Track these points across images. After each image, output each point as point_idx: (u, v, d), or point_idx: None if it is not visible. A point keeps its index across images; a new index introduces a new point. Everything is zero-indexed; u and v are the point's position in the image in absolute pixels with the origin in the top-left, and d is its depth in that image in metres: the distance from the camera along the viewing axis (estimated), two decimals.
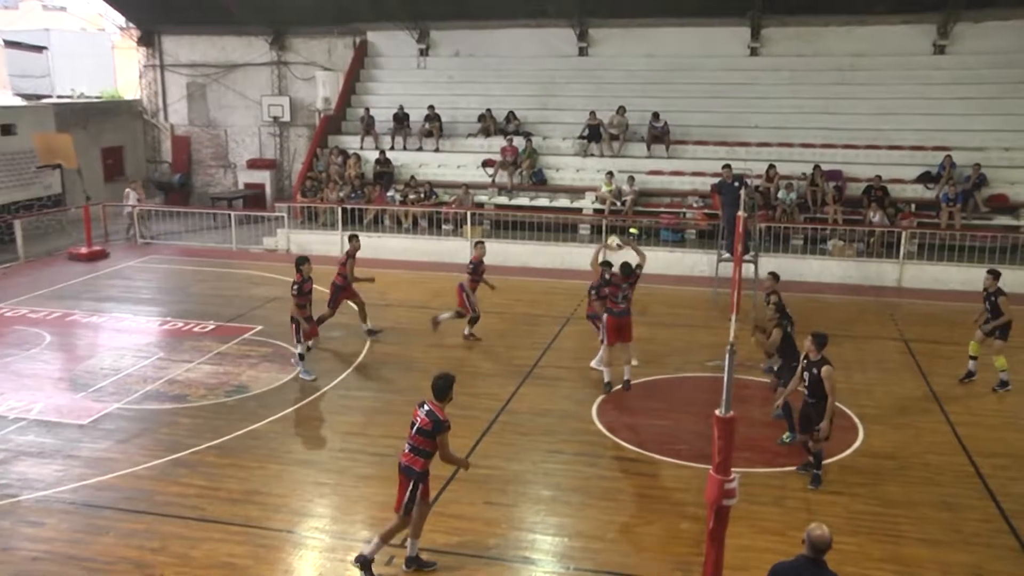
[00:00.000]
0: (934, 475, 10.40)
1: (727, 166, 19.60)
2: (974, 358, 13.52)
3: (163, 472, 10.32)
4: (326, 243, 22.66)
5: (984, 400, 12.89)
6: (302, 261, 13.67)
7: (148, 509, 9.44)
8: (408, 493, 8.22)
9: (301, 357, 13.53)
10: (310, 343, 13.92)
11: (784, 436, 11.08)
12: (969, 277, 19.09)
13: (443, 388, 8.24)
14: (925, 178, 22.27)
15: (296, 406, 12.51)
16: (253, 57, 30.31)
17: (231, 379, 13.51)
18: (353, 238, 15.89)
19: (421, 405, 8.29)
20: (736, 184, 17.49)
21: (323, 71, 28.97)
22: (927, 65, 24.92)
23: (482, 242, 16.11)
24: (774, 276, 13.43)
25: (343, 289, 15.34)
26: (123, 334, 16.04)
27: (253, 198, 29.24)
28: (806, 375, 9.87)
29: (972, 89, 23.93)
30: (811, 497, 9.67)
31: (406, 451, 8.30)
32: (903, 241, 19.99)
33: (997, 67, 24.17)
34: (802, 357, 10.25)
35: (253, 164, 30.56)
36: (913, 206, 21.75)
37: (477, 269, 15.41)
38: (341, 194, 24.11)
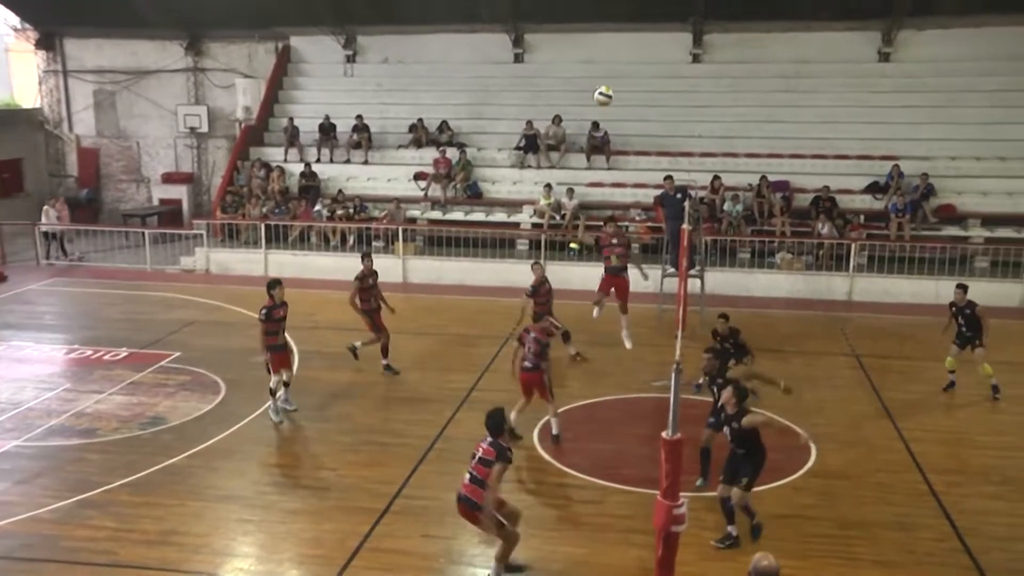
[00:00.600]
0: (887, 494, 10.66)
1: (669, 177, 19.81)
2: (952, 372, 14.06)
3: (69, 514, 10.04)
4: (248, 262, 22.41)
5: (937, 416, 13.26)
6: (273, 284, 13.08)
7: (52, 556, 9.16)
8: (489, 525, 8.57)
9: (272, 392, 12.80)
10: (285, 376, 12.96)
11: (697, 481, 10.76)
12: (919, 289, 19.74)
13: (499, 422, 8.69)
14: (873, 188, 22.91)
15: (218, 437, 12.29)
16: (167, 63, 29.88)
17: (146, 410, 13.23)
18: (364, 256, 15.61)
19: (485, 439, 8.66)
20: (680, 196, 17.76)
21: (243, 78, 28.70)
22: (872, 73, 25.67)
23: (538, 263, 16.05)
24: (724, 317, 13.12)
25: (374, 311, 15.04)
26: (24, 364, 15.58)
27: (169, 215, 28.75)
28: (727, 429, 9.49)
29: (917, 97, 24.77)
30: (763, 522, 9.81)
31: (467, 481, 8.59)
32: (852, 253, 20.51)
33: (941, 75, 25.03)
34: (718, 406, 9.93)
35: (168, 178, 30.07)
36: (862, 217, 22.36)
37: (537, 291, 15.09)
38: (264, 210, 23.86)
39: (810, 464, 11.41)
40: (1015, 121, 23.89)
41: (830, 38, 25.80)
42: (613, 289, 15.89)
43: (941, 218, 22.17)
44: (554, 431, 12.23)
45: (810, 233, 21.61)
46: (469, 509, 8.56)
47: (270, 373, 12.83)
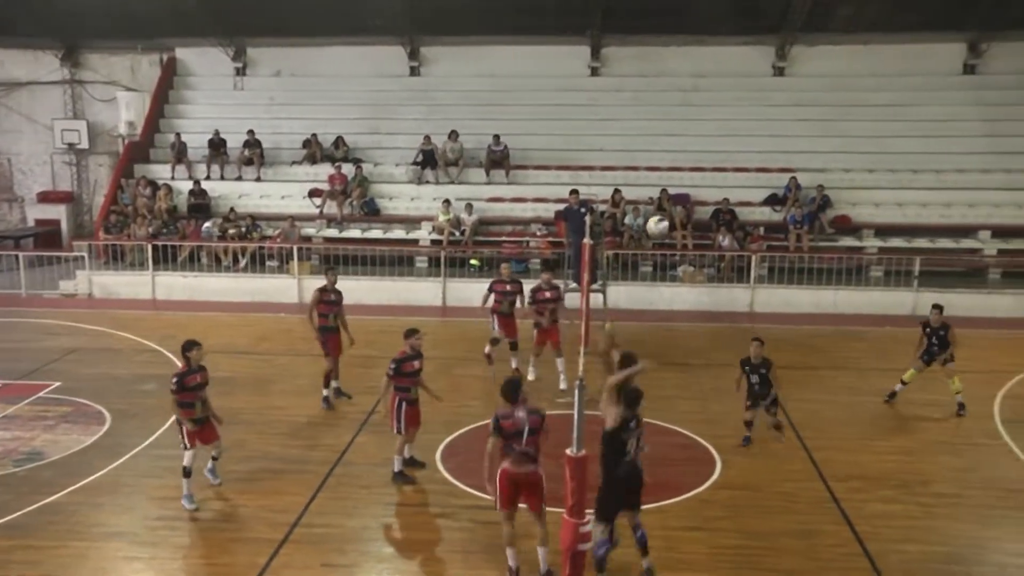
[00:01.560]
0: (791, 503, 10.97)
1: (574, 191, 20.17)
2: (905, 383, 14.47)
3: None
4: (134, 285, 21.82)
5: (837, 424, 13.70)
6: (189, 346, 11.03)
7: None
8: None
9: (186, 473, 10.80)
10: (214, 452, 11.30)
11: None
12: (818, 299, 20.47)
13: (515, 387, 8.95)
14: (772, 200, 23.68)
15: (102, 471, 11.84)
16: (41, 74, 28.89)
17: (21, 445, 12.70)
18: (328, 271, 15.11)
19: (508, 416, 8.79)
20: (582, 210, 18.00)
21: (126, 91, 28.01)
22: (768, 87, 26.64)
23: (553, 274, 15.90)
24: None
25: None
26: None
27: (46, 236, 27.74)
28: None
29: (812, 111, 25.79)
30: (671, 535, 9.97)
31: (525, 460, 8.72)
32: (753, 265, 21.12)
33: (833, 90, 26.17)
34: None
35: (45, 197, 29.02)
36: (762, 229, 23.08)
37: (535, 298, 15.03)
38: (151, 230, 23.25)
39: (715, 477, 11.66)
40: (902, 135, 25.18)
41: (726, 52, 26.64)
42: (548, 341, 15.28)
43: (837, 229, 23.07)
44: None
45: (711, 245, 22.19)
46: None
47: (185, 449, 10.86)
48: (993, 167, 24.45)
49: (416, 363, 11.61)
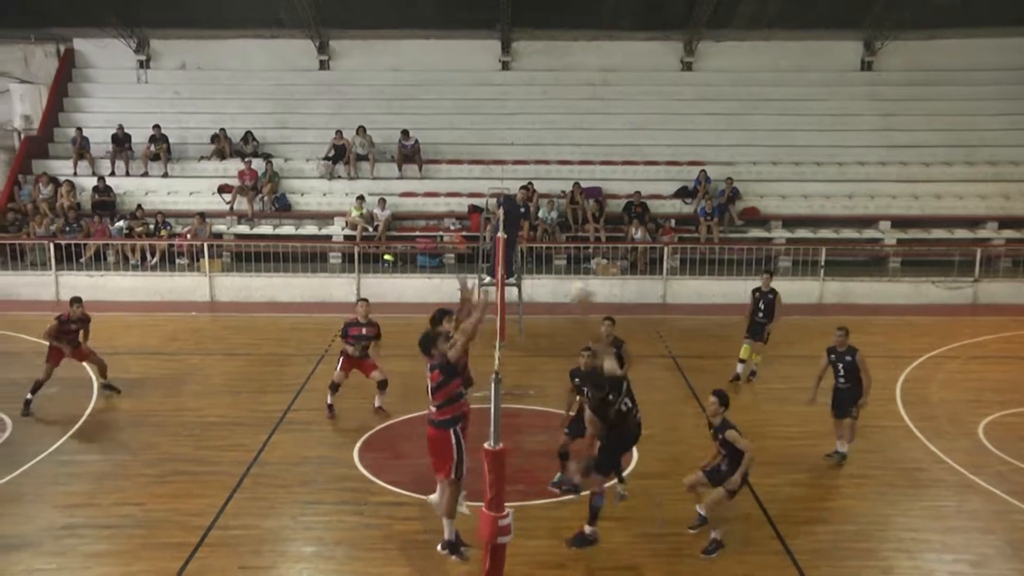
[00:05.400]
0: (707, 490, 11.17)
1: (525, 187, 20.31)
2: (743, 361, 15.04)
3: None
4: (36, 285, 21.10)
5: (746, 412, 13.98)
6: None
7: None
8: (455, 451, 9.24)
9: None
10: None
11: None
12: (729, 289, 20.89)
13: (428, 340, 9.36)
14: (682, 193, 24.09)
15: (2, 480, 11.40)
16: None
17: None
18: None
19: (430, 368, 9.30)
20: (523, 209, 18.06)
21: (19, 83, 26.94)
22: (676, 81, 27.10)
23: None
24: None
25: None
26: None
27: None
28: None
29: (719, 105, 26.32)
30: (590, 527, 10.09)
31: (434, 410, 9.27)
32: (665, 257, 21.45)
33: (739, 84, 26.79)
34: None
35: None
36: (673, 221, 23.46)
37: (347, 332, 13.85)
38: (52, 228, 22.47)
39: (632, 466, 11.81)
40: (803, 128, 25.96)
41: (634, 47, 27.01)
42: None
43: (746, 220, 23.60)
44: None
45: (623, 238, 22.47)
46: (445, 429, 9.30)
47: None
48: (890, 160, 25.33)
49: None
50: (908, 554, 9.74)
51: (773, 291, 15.10)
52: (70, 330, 14.09)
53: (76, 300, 14.37)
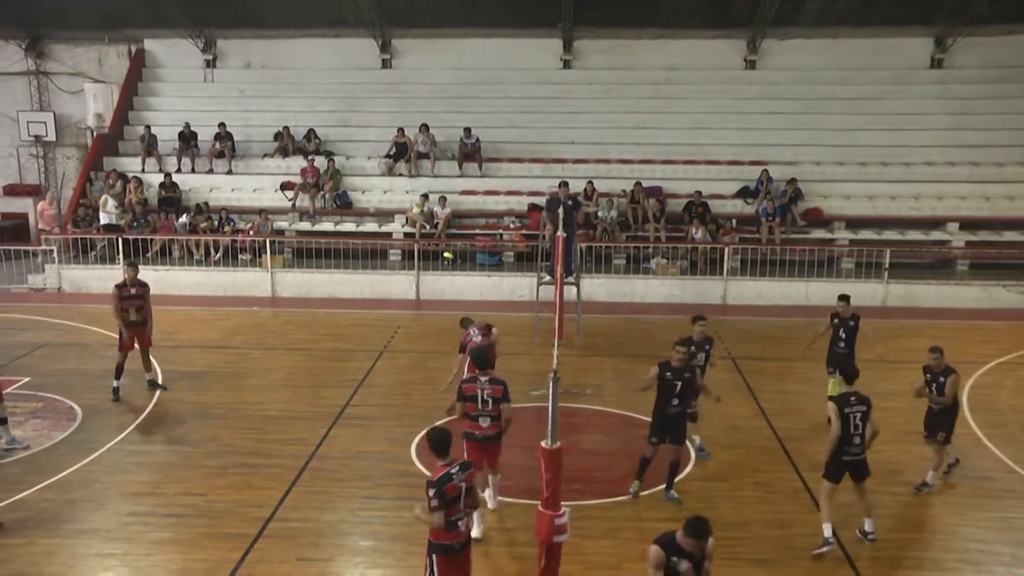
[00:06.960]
0: (765, 493, 11.07)
1: (563, 184, 20.17)
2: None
3: None
4: (105, 279, 21.45)
5: (809, 415, 13.81)
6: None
7: None
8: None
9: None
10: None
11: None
12: (790, 291, 20.61)
13: (441, 442, 7.79)
14: (744, 193, 23.80)
15: (74, 468, 11.71)
16: (4, 65, 28.36)
17: None
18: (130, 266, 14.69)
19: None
20: (570, 203, 17.94)
21: (93, 83, 27.60)
22: (739, 80, 26.73)
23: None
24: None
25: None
26: None
27: (13, 230, 27.29)
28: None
29: (782, 104, 25.92)
30: (645, 526, 10.01)
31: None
32: (726, 257, 21.21)
33: (804, 83, 26.37)
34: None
35: (12, 190, 28.58)
36: (734, 221, 23.20)
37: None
38: (121, 223, 22.98)
39: (690, 468, 11.71)
40: (870, 128, 25.38)
41: (697, 45, 26.71)
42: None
43: (809, 221, 23.23)
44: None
45: (684, 238, 22.27)
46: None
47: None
48: (959, 160, 24.72)
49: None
50: (975, 566, 9.49)
51: (855, 316, 13.68)
52: (131, 295, 14.05)
53: (130, 264, 14.72)
